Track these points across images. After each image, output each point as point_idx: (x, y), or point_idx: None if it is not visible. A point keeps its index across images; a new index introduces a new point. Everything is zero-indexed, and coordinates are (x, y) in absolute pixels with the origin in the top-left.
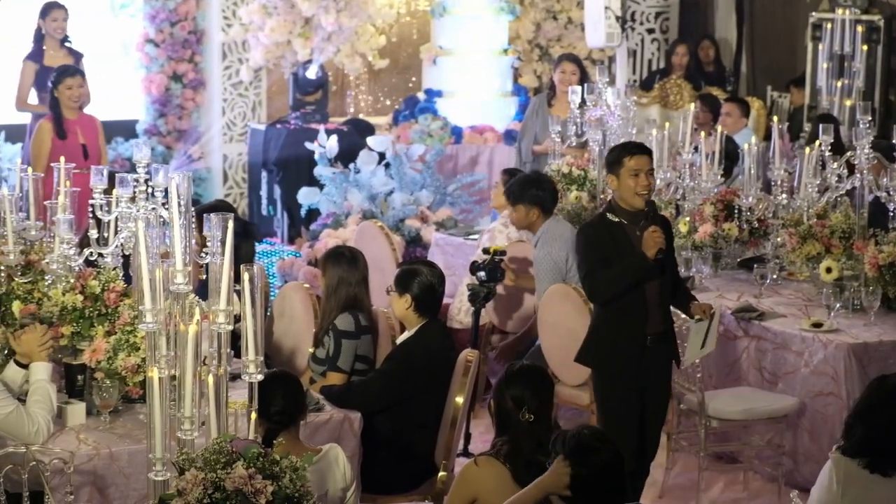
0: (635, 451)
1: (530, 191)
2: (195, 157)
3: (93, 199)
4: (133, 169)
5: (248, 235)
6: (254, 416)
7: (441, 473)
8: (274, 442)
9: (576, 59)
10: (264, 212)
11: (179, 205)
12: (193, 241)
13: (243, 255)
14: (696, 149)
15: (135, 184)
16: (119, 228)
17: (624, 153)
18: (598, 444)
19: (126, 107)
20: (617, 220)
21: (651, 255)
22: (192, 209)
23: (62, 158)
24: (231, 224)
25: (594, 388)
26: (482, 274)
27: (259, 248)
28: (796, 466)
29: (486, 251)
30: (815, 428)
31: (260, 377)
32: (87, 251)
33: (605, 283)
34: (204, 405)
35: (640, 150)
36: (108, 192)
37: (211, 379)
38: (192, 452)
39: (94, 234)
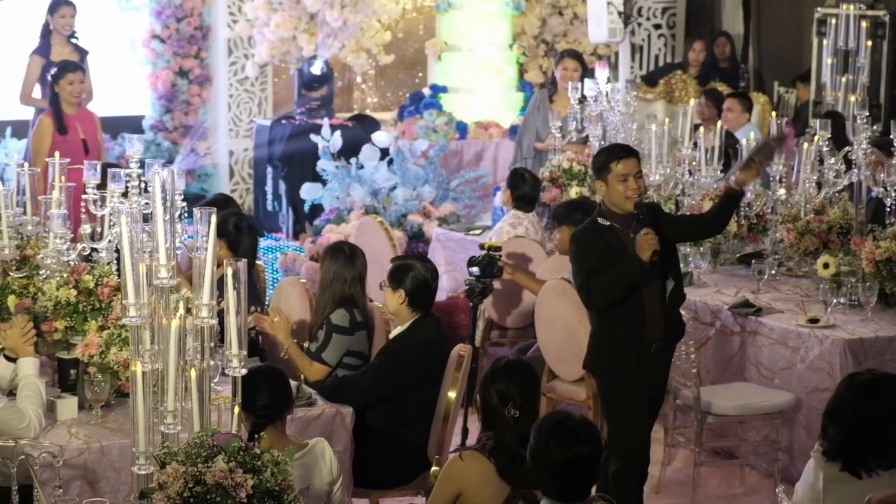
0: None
1: (575, 214)
2: (201, 152)
3: (86, 194)
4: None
5: (249, 231)
6: (237, 409)
7: (433, 468)
8: (255, 436)
9: (577, 55)
10: (269, 207)
11: (164, 199)
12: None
13: (245, 251)
14: (695, 144)
15: (127, 179)
16: (112, 223)
17: (610, 157)
18: (584, 432)
19: (132, 103)
20: (608, 224)
21: (646, 258)
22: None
23: (56, 154)
24: (214, 219)
25: (600, 396)
26: (475, 269)
27: (264, 243)
28: (792, 462)
29: (481, 247)
30: (812, 423)
31: (243, 371)
32: (80, 246)
33: (601, 289)
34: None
35: (627, 152)
36: (102, 186)
37: (193, 373)
38: (175, 446)
39: (86, 229)
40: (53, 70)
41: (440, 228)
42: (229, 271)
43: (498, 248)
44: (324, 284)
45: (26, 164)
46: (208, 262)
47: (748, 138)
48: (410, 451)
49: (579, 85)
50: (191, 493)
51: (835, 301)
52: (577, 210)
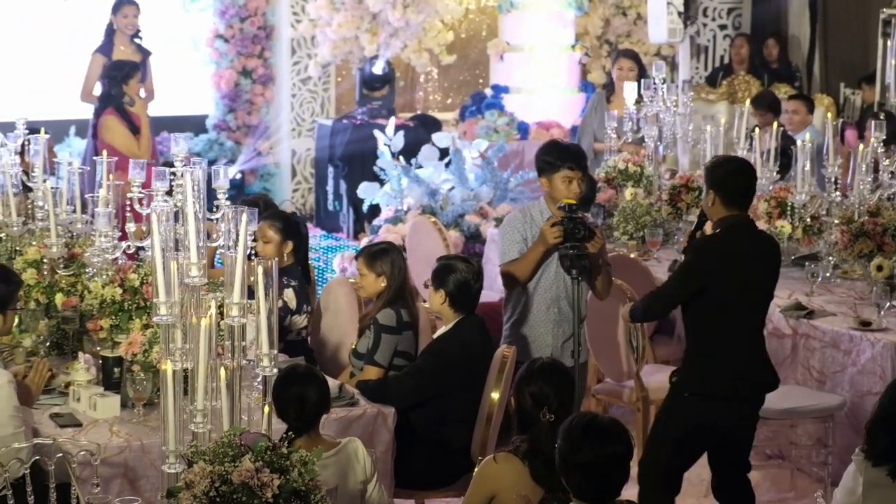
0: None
1: None
2: (264, 152)
3: (131, 192)
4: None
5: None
6: (266, 409)
7: (476, 470)
8: (282, 435)
9: (633, 55)
10: (330, 207)
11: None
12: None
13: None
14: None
15: (172, 178)
16: None
17: None
18: (615, 431)
19: (196, 102)
20: None
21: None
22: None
23: (104, 152)
24: (245, 217)
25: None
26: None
27: (324, 242)
28: (843, 466)
29: (559, 208)
30: (863, 428)
31: (274, 371)
32: (123, 244)
33: None
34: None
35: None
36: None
37: (223, 372)
38: (203, 445)
39: (131, 227)
40: (116, 71)
41: (496, 229)
42: (260, 270)
43: (573, 207)
44: (392, 279)
45: (76, 162)
46: (239, 261)
47: (804, 139)
48: (454, 452)
49: (634, 85)
50: (217, 493)
51: (888, 304)
52: None
